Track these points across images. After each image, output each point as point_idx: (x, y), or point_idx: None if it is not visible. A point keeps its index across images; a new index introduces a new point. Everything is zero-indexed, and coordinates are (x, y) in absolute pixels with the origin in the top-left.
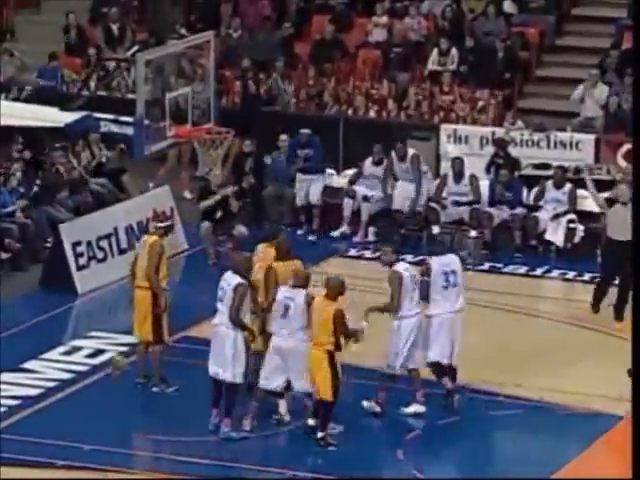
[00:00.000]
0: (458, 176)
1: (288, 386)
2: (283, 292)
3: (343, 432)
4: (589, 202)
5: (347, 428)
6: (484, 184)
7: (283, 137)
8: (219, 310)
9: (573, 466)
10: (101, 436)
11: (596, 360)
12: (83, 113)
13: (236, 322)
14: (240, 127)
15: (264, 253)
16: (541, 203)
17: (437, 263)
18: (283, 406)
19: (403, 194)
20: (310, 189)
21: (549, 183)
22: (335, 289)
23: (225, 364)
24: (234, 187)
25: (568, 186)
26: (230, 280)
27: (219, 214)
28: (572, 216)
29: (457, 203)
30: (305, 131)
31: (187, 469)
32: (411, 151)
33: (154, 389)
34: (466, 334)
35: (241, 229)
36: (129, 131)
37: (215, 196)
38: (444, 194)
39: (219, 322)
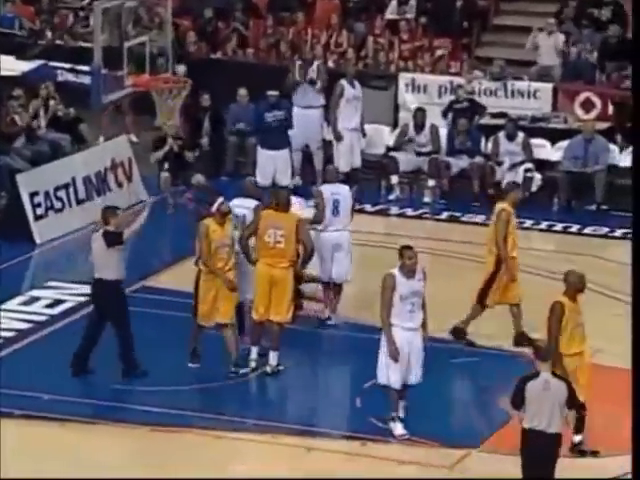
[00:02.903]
0: (419, 127)
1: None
2: (328, 188)
3: (300, 380)
4: (546, 151)
5: (306, 376)
6: (443, 133)
7: (242, 92)
8: None
9: None
10: (60, 386)
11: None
12: (39, 62)
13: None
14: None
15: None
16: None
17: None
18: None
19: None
20: (277, 168)
21: (501, 135)
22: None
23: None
24: (181, 140)
25: (521, 136)
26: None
27: (171, 164)
28: (529, 165)
29: (418, 153)
30: (273, 93)
31: (148, 418)
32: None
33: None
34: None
35: (199, 178)
36: (86, 80)
37: (164, 148)
38: (404, 143)
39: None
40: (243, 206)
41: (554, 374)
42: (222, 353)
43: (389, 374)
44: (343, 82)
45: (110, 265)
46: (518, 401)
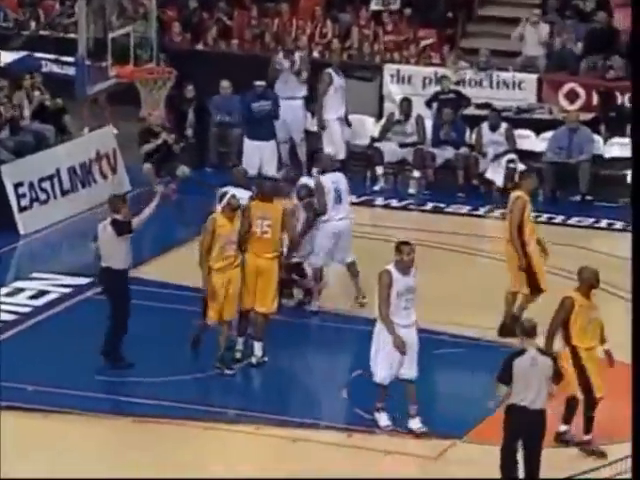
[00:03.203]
0: (405, 117)
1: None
2: (329, 178)
3: (285, 371)
4: (530, 141)
5: (291, 367)
6: (429, 125)
7: (225, 84)
8: None
9: None
10: (45, 377)
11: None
12: (24, 53)
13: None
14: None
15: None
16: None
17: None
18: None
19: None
20: (263, 159)
21: (485, 126)
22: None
23: None
24: (174, 135)
25: (504, 126)
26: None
27: (159, 155)
28: (512, 156)
29: (403, 144)
30: (260, 83)
31: (133, 409)
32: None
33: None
34: None
35: (184, 169)
36: (70, 71)
37: (156, 140)
38: (390, 134)
39: None
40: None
41: (540, 350)
42: (208, 345)
43: (378, 370)
44: (330, 71)
45: (118, 254)
46: (506, 377)
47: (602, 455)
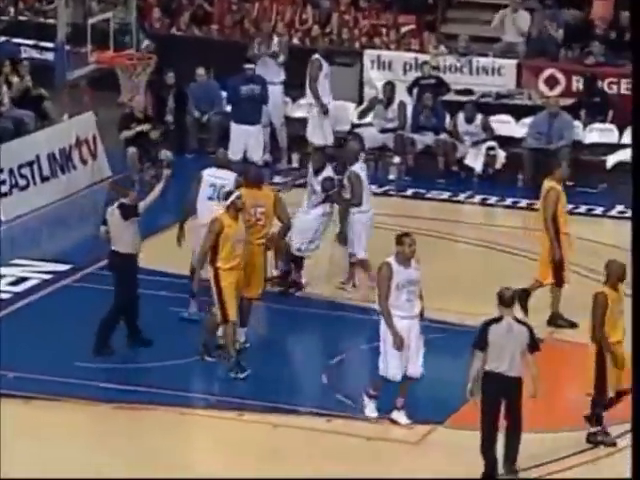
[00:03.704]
0: (387, 102)
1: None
2: (359, 167)
3: (268, 357)
4: (510, 127)
5: (272, 353)
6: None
7: (200, 71)
8: None
9: None
10: (25, 364)
11: (517, 284)
12: (2, 38)
13: None
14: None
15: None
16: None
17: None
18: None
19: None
20: (248, 145)
21: (460, 117)
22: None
23: None
24: (153, 122)
25: (479, 118)
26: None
27: (139, 142)
28: (491, 143)
29: (383, 130)
30: (249, 66)
31: (112, 395)
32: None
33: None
34: None
35: (167, 153)
36: (50, 57)
37: (136, 128)
38: (371, 119)
39: None
40: (220, 177)
41: (516, 319)
42: (190, 331)
43: (390, 367)
44: (318, 56)
45: (125, 238)
46: (482, 344)
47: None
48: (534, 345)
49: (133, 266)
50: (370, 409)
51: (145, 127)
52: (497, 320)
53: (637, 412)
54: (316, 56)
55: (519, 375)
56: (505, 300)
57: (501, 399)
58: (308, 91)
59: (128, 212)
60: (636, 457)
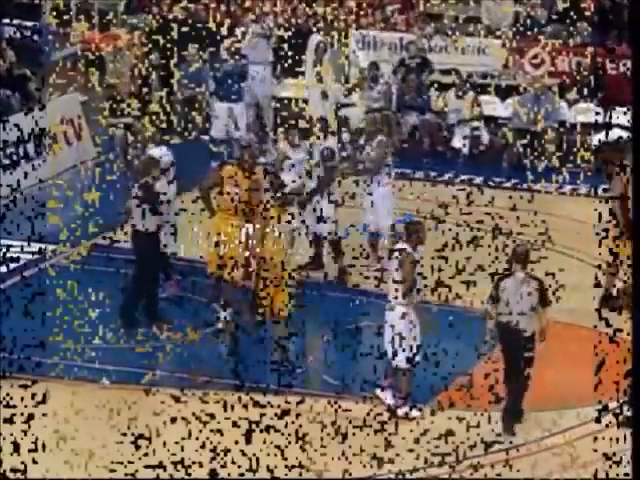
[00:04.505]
0: (372, 81)
1: None
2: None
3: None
4: (495, 107)
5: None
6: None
7: (191, 51)
8: None
9: (484, 365)
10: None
11: (502, 264)
12: None
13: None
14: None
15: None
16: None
17: None
18: None
19: None
20: (232, 121)
21: (451, 94)
22: None
23: None
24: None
25: (470, 95)
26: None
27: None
28: (477, 124)
29: (368, 110)
30: (228, 43)
31: (96, 375)
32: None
33: None
34: None
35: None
36: (35, 37)
37: (121, 120)
38: (356, 98)
39: None
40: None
41: (528, 274)
42: (166, 312)
43: (404, 355)
44: (322, 39)
45: (147, 217)
46: (494, 297)
47: None
48: (545, 299)
49: (153, 244)
50: (390, 398)
51: (129, 120)
52: (509, 275)
53: (637, 412)
54: (320, 39)
55: (529, 328)
56: (518, 255)
57: (514, 349)
58: (308, 73)
59: (148, 191)
60: (636, 457)
